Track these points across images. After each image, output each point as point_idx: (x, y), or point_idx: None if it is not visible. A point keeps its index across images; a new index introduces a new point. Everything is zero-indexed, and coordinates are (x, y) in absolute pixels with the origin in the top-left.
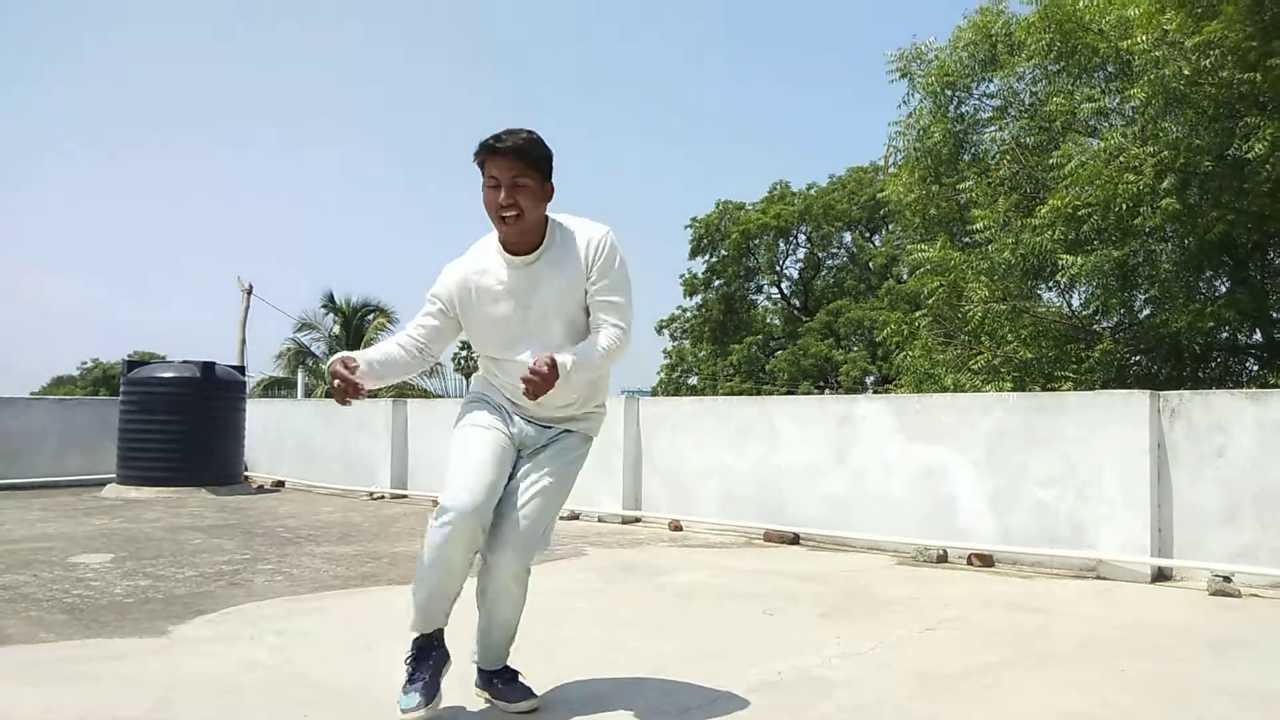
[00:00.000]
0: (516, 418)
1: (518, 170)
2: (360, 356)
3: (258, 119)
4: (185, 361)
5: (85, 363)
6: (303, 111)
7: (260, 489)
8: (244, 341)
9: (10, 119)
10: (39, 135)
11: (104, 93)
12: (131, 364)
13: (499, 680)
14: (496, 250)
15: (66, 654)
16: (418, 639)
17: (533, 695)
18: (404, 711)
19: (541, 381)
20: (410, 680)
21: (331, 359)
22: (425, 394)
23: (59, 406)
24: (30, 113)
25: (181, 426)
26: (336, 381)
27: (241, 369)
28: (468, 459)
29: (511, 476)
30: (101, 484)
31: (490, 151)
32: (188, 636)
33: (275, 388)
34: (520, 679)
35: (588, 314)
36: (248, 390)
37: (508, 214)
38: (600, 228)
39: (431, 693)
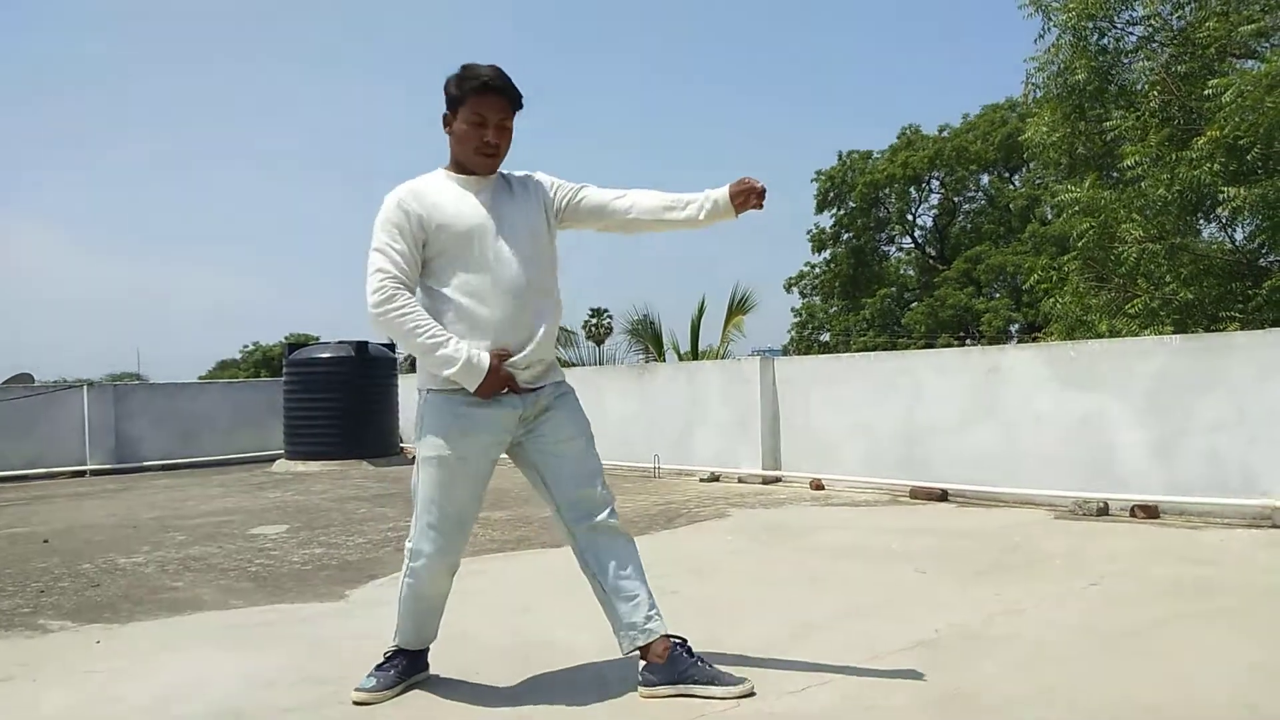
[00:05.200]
0: (502, 400)
1: (506, 112)
2: (485, 352)
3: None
4: (340, 342)
5: (247, 346)
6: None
7: (415, 460)
8: None
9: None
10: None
11: (257, 101)
12: (292, 346)
13: (695, 661)
14: (448, 177)
15: (257, 619)
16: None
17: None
18: (355, 690)
19: (763, 190)
20: (378, 667)
21: (492, 369)
22: (560, 362)
23: (228, 389)
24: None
25: (340, 403)
26: (505, 389)
27: (392, 346)
28: (445, 500)
29: (524, 449)
30: (271, 460)
31: (485, 89)
32: (363, 599)
33: None
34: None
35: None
36: (398, 366)
37: (490, 153)
38: None
39: (388, 684)
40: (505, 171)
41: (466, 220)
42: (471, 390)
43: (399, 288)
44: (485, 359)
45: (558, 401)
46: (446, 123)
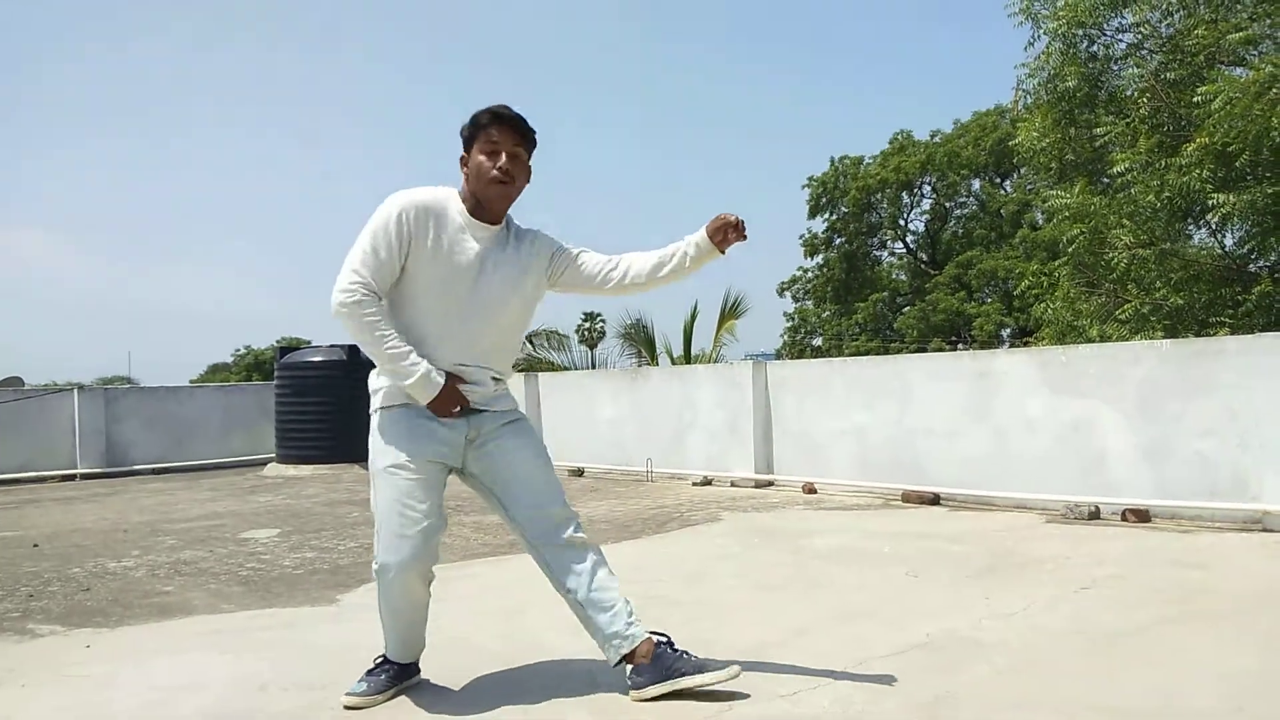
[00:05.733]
0: (448, 422)
1: (518, 141)
2: (436, 371)
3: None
4: (332, 345)
5: (239, 349)
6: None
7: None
8: None
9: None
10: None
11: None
12: (284, 350)
13: (680, 654)
14: (460, 211)
15: (246, 623)
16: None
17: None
18: (345, 694)
19: (740, 223)
20: (369, 672)
21: (447, 386)
22: (552, 366)
23: (220, 393)
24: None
25: (332, 406)
26: (458, 407)
27: None
28: (404, 507)
29: (470, 475)
30: (262, 463)
31: (496, 118)
32: (355, 604)
33: None
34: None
35: (529, 310)
36: None
37: (504, 179)
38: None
39: (379, 689)
40: (514, 221)
41: (455, 261)
42: (424, 404)
43: (369, 294)
44: (441, 376)
45: (507, 427)
46: (463, 164)
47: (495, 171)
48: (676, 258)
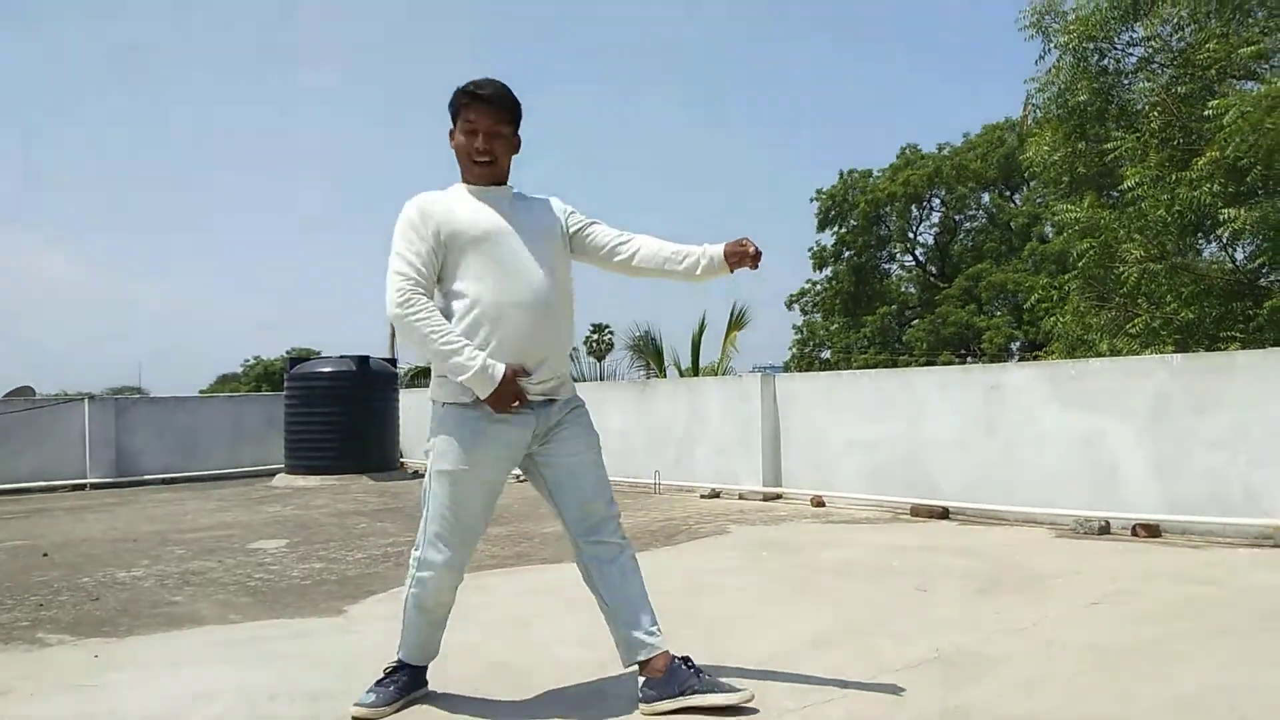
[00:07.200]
0: (517, 413)
1: (496, 118)
2: (497, 361)
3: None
4: (342, 356)
5: (248, 360)
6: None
7: (415, 474)
8: (393, 334)
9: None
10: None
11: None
12: (293, 360)
13: (695, 673)
14: (463, 188)
15: (255, 633)
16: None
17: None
18: (354, 705)
19: (757, 254)
20: (378, 683)
21: (506, 379)
22: None
23: (229, 403)
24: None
25: (341, 417)
26: (517, 402)
27: (393, 361)
28: (457, 512)
29: (539, 465)
30: (271, 474)
31: (472, 98)
32: (362, 615)
33: (423, 377)
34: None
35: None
36: (399, 381)
37: (483, 159)
38: None
39: (388, 700)
40: (521, 191)
41: (482, 225)
42: (483, 398)
43: (416, 291)
44: (500, 369)
45: (569, 417)
46: (451, 137)
47: (474, 151)
48: (688, 262)
